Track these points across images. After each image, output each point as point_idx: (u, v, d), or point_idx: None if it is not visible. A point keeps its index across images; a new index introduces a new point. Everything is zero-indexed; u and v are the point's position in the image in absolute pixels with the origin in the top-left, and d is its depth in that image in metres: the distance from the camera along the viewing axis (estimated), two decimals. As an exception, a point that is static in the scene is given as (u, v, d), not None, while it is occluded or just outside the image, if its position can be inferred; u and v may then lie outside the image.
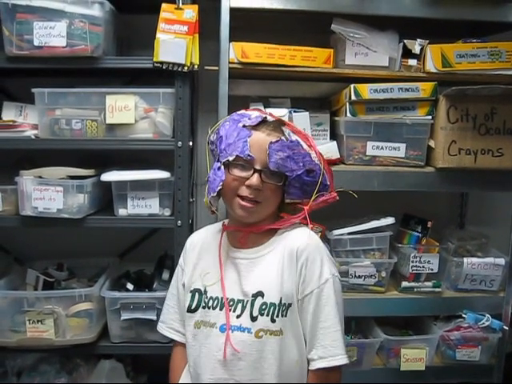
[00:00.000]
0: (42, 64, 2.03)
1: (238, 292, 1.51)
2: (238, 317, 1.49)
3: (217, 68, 2.11)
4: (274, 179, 1.46)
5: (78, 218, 2.09)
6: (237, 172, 1.46)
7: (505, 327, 2.31)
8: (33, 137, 2.11)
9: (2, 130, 2.09)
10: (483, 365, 2.37)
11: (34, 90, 2.08)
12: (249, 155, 1.43)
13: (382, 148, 2.17)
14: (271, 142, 1.44)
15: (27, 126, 2.12)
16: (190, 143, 2.15)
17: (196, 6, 2.03)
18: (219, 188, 1.47)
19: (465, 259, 2.32)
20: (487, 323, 2.29)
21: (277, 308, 1.47)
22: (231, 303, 1.51)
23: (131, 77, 2.44)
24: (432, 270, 2.29)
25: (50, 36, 1.97)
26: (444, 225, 2.60)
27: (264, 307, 1.47)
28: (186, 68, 2.02)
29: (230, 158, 1.45)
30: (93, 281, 2.35)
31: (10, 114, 2.15)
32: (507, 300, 2.32)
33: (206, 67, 2.17)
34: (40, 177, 2.10)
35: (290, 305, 1.48)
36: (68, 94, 2.11)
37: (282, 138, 1.47)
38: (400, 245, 2.35)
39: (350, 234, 2.25)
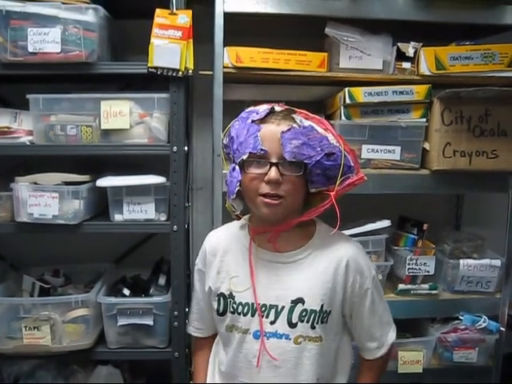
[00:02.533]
0: (36, 70, 2.02)
1: (269, 297, 1.48)
2: (272, 323, 1.47)
3: (211, 73, 2.12)
4: (292, 170, 1.38)
5: (74, 223, 2.08)
6: (253, 169, 1.40)
7: (501, 328, 2.32)
8: (28, 143, 2.10)
9: (-4, 136, 2.08)
10: (480, 366, 2.39)
11: (28, 96, 2.07)
12: (261, 149, 1.36)
13: (377, 151, 2.18)
14: (283, 132, 1.37)
15: (22, 132, 2.12)
16: (186, 148, 2.14)
17: (190, 11, 2.02)
18: (237, 189, 1.43)
19: (461, 261, 2.32)
20: (484, 325, 2.30)
21: (317, 315, 1.46)
22: (263, 309, 1.47)
23: (126, 82, 2.43)
24: (428, 272, 2.30)
25: (45, 42, 1.97)
26: (440, 227, 2.60)
27: (304, 314, 1.46)
28: (180, 73, 2.02)
29: (244, 157, 1.39)
30: (89, 287, 2.35)
31: (4, 120, 2.14)
32: (503, 301, 2.33)
33: (201, 72, 2.18)
34: (35, 183, 2.09)
35: (330, 312, 1.48)
36: (63, 99, 2.10)
37: (294, 125, 1.39)
38: (396, 247, 2.36)
39: (346, 237, 2.25)
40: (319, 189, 1.46)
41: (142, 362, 2.42)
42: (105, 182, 2.13)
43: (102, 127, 2.07)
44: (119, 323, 2.15)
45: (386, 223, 2.29)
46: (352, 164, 1.46)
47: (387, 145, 2.18)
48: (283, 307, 1.46)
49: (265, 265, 1.50)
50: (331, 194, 1.44)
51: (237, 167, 1.44)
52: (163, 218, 2.18)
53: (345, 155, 1.43)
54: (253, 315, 1.48)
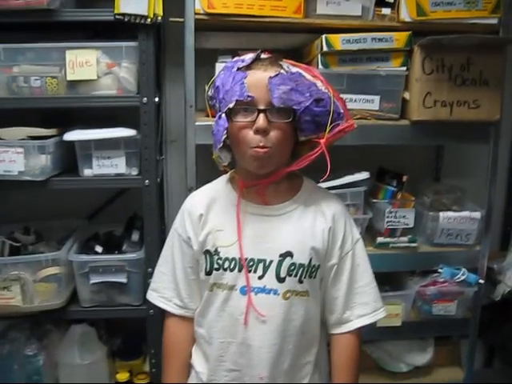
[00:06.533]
0: (-6, 18, 1.92)
1: (257, 251, 1.44)
2: (260, 278, 1.43)
3: (182, 20, 2.01)
4: (281, 117, 1.35)
5: (41, 179, 2.01)
6: (240, 118, 1.35)
7: (480, 281, 2.30)
8: (-11, 96, 2.01)
9: (-44, 89, 1.98)
10: (459, 319, 2.38)
11: (-12, 46, 1.97)
12: (248, 96, 1.32)
13: (356, 101, 2.11)
14: (270, 77, 1.33)
15: (-17, 85, 2.02)
16: (157, 99, 2.06)
17: (158, -47, 1.92)
18: (224, 137, 1.37)
19: (440, 213, 2.29)
20: (463, 277, 2.28)
21: (305, 269, 1.43)
22: (251, 263, 1.43)
23: (93, 32, 2.32)
24: (407, 224, 2.27)
25: (2, -13, 1.86)
26: (419, 179, 2.56)
27: (292, 268, 1.43)
28: (149, 20, 1.92)
29: (231, 105, 1.35)
30: (62, 243, 2.28)
31: (-36, 72, 2.05)
32: (483, 253, 2.31)
33: (171, 19, 2.08)
34: (-1, 138, 2.00)
35: (319, 266, 1.46)
36: (26, 49, 2.00)
37: (281, 71, 1.36)
38: (375, 200, 2.32)
39: (323, 190, 2.20)
40: (309, 137, 1.44)
41: (118, 319, 2.38)
42: (72, 135, 2.05)
43: (68, 78, 1.98)
44: (92, 281, 2.11)
45: (364, 175, 2.23)
46: (341, 111, 1.44)
47: (366, 94, 2.11)
48: (271, 261, 1.43)
49: (252, 219, 1.46)
50: (321, 141, 1.41)
51: (223, 115, 1.38)
52: (135, 172, 2.11)
53: (334, 102, 1.41)
54: (240, 270, 1.44)
